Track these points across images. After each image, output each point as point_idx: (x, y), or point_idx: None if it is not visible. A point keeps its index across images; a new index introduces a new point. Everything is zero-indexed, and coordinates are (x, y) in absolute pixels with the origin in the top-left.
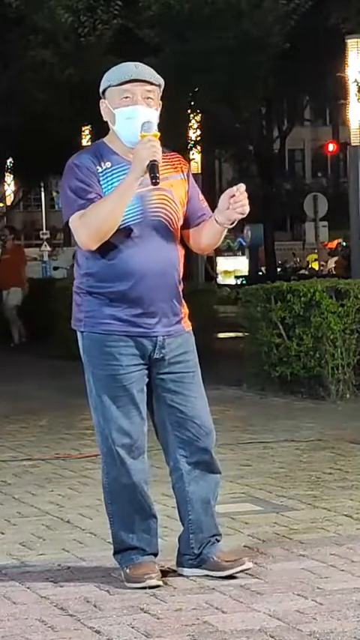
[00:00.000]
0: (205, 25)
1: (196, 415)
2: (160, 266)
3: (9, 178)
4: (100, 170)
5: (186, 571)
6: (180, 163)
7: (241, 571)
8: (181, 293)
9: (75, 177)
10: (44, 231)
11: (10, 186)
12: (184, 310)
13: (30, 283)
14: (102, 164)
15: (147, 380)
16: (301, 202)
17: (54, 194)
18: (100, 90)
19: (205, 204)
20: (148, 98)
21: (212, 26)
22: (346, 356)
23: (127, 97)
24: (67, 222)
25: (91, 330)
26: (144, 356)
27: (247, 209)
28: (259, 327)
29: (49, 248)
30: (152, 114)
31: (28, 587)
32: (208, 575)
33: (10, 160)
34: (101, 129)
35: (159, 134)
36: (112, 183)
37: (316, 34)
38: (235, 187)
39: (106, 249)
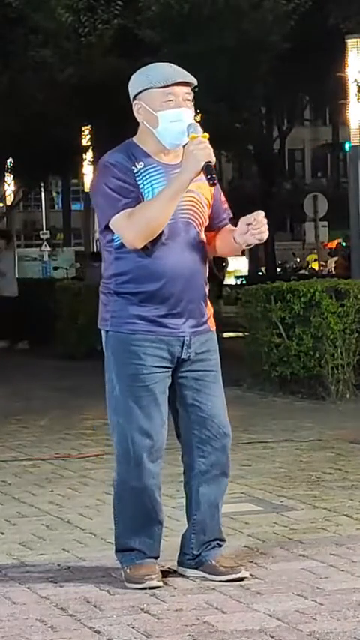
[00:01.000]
0: (205, 25)
1: (216, 414)
2: (189, 267)
3: (9, 178)
4: (135, 170)
5: (186, 571)
6: None
7: (237, 579)
8: (207, 293)
9: (113, 177)
10: (44, 231)
11: (10, 186)
12: (210, 310)
13: (31, 283)
14: (136, 164)
15: (170, 382)
16: (301, 202)
17: (54, 194)
18: (135, 91)
19: (226, 205)
20: (187, 100)
21: (212, 26)
22: (346, 356)
23: (170, 100)
24: (107, 222)
25: (117, 330)
26: (172, 357)
27: (265, 236)
28: (259, 327)
29: (49, 248)
30: (192, 115)
31: (28, 587)
32: (206, 577)
33: (10, 159)
34: (101, 129)
35: (208, 135)
36: (145, 184)
37: (316, 34)
38: (253, 215)
39: (137, 249)
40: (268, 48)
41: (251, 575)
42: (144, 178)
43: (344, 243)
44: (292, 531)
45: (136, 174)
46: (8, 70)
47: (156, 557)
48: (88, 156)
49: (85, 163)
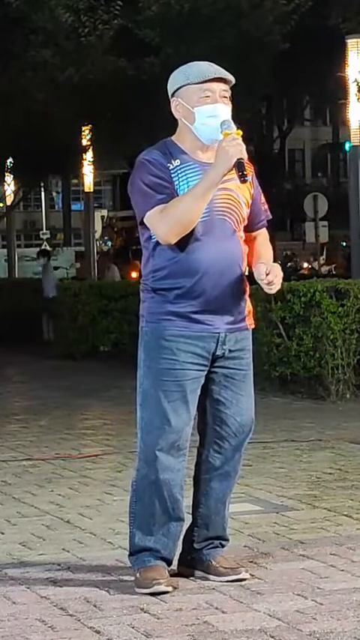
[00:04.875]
0: (205, 25)
1: (239, 413)
2: (224, 263)
3: (9, 178)
4: (171, 167)
5: (187, 570)
6: (247, 166)
7: (237, 580)
8: (245, 290)
9: (149, 173)
10: (44, 231)
11: (10, 186)
12: (249, 308)
13: (31, 283)
14: (172, 162)
15: (203, 381)
16: (301, 202)
17: (54, 194)
18: (173, 88)
19: (266, 206)
20: (224, 97)
21: (212, 26)
22: (346, 356)
23: (207, 96)
24: (142, 218)
25: (152, 326)
26: (207, 353)
27: (273, 291)
28: (259, 327)
29: (49, 248)
30: (229, 112)
31: (28, 587)
32: (206, 577)
33: (10, 160)
34: (101, 129)
35: (241, 132)
36: (181, 181)
37: (316, 34)
38: (272, 271)
39: (172, 246)
40: (268, 48)
41: (251, 575)
42: (180, 175)
43: (344, 243)
44: (292, 531)
45: (171, 171)
46: (8, 70)
47: (169, 562)
48: (88, 156)
49: (85, 163)
